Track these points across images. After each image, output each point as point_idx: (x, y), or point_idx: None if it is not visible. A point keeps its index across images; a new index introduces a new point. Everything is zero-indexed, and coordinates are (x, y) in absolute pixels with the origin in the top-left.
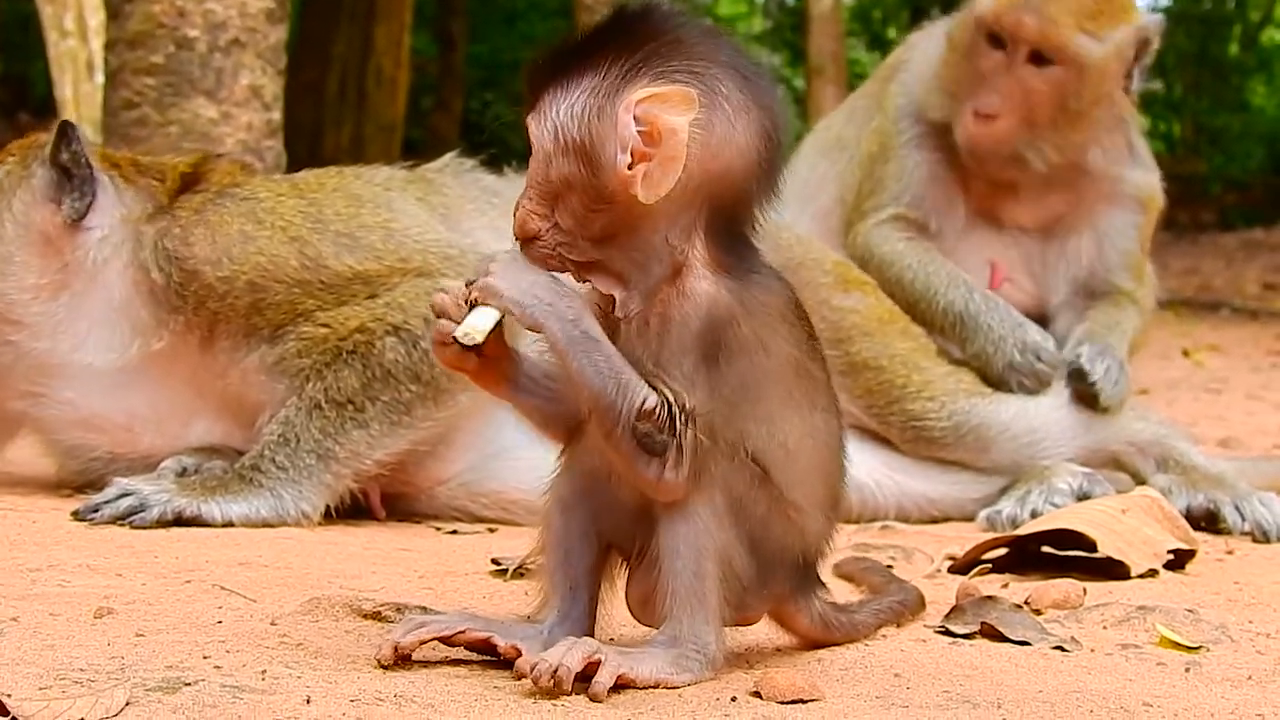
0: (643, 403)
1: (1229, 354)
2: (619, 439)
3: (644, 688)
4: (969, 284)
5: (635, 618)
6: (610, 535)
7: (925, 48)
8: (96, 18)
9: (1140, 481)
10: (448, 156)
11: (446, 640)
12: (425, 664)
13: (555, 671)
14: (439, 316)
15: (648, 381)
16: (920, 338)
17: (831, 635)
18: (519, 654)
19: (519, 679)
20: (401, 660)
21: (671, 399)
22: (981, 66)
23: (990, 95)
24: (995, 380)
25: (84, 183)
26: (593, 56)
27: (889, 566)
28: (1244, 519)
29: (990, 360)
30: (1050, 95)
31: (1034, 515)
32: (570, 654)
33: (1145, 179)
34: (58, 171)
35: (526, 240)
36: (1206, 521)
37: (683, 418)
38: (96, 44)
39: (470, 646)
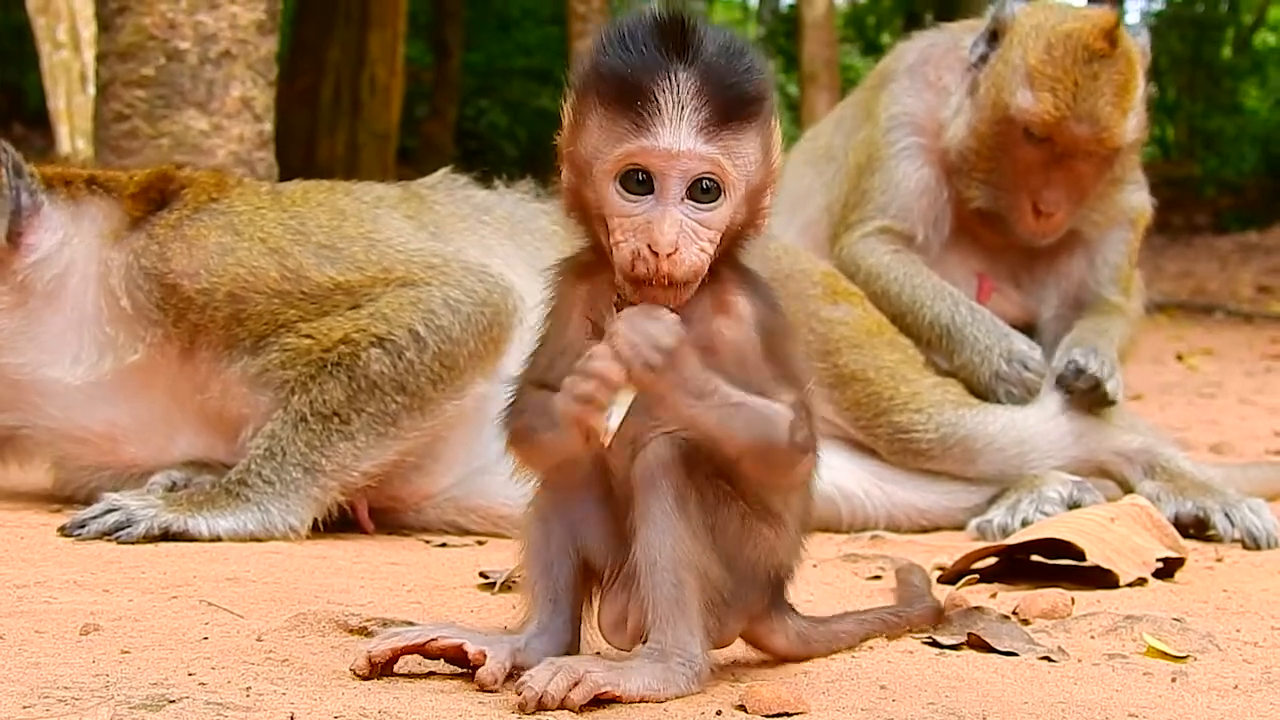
0: (789, 423)
1: (1223, 358)
2: (782, 459)
3: (630, 702)
4: (955, 296)
5: (607, 640)
6: (586, 553)
7: (911, 60)
8: (89, 29)
9: (1128, 489)
10: (441, 173)
11: (419, 648)
12: (410, 678)
13: (540, 698)
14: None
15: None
16: (908, 349)
17: (812, 650)
18: (485, 660)
19: (480, 689)
20: (376, 670)
21: (792, 401)
22: (1023, 158)
23: (1050, 192)
24: (982, 391)
25: (8, 203)
26: (754, 92)
27: (876, 577)
28: (1234, 526)
29: (976, 370)
30: (1100, 175)
31: (1025, 524)
32: (556, 680)
33: (1138, 198)
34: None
35: (688, 285)
36: (1195, 529)
37: (802, 411)
38: (89, 55)
39: (442, 654)
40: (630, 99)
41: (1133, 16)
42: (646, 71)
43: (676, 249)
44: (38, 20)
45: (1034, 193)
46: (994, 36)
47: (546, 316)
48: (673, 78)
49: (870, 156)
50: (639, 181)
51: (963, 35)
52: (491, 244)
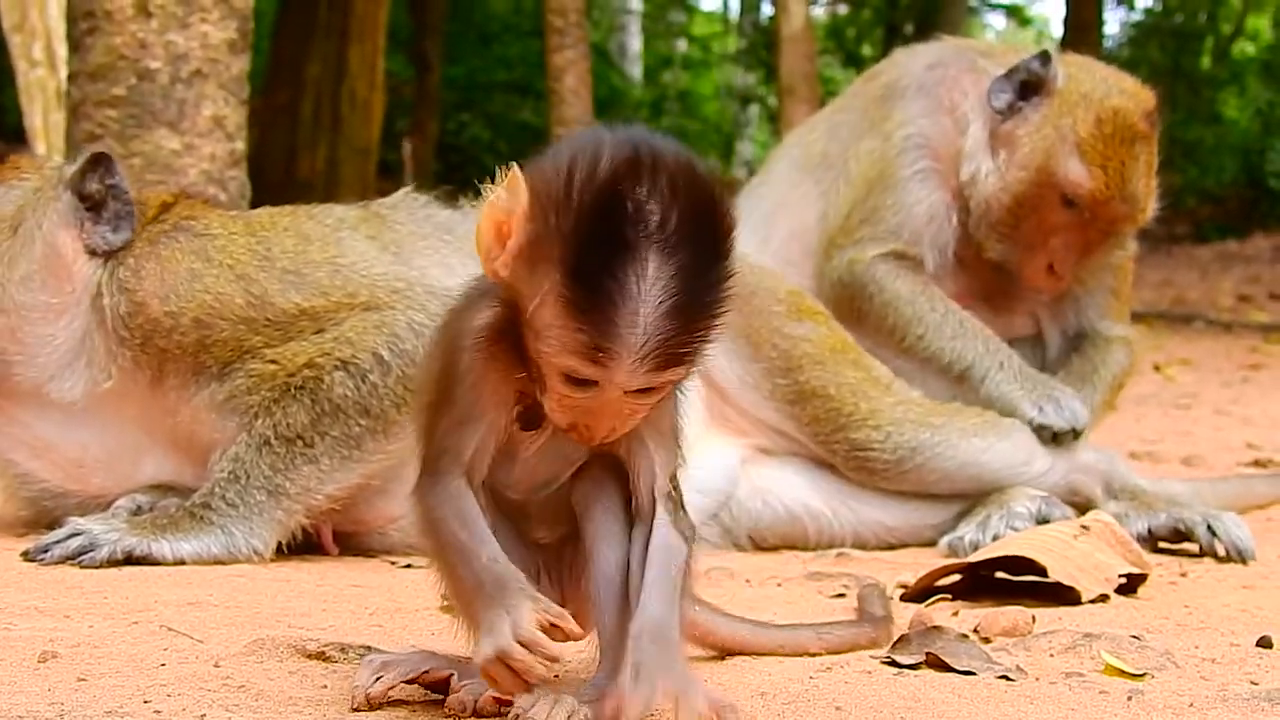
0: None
1: (1200, 368)
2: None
3: None
4: (1002, 349)
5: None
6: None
7: (920, 76)
8: (65, 47)
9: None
10: (401, 192)
11: (413, 682)
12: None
13: None
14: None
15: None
16: (871, 368)
17: (739, 636)
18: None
19: (449, 715)
20: (375, 706)
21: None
22: (1051, 221)
23: (1067, 255)
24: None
25: (123, 218)
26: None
27: (840, 595)
28: (1217, 538)
29: (1017, 413)
30: (1115, 245)
31: (996, 540)
32: (555, 712)
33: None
34: (80, 198)
35: None
36: (1172, 539)
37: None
38: (65, 74)
39: (431, 686)
40: (597, 324)
41: (1112, 27)
42: (620, 298)
43: (613, 430)
44: (13, 38)
45: (1052, 253)
46: (1025, 88)
47: (450, 376)
48: (644, 307)
49: (882, 173)
50: (582, 383)
51: (977, 58)
52: (453, 263)
